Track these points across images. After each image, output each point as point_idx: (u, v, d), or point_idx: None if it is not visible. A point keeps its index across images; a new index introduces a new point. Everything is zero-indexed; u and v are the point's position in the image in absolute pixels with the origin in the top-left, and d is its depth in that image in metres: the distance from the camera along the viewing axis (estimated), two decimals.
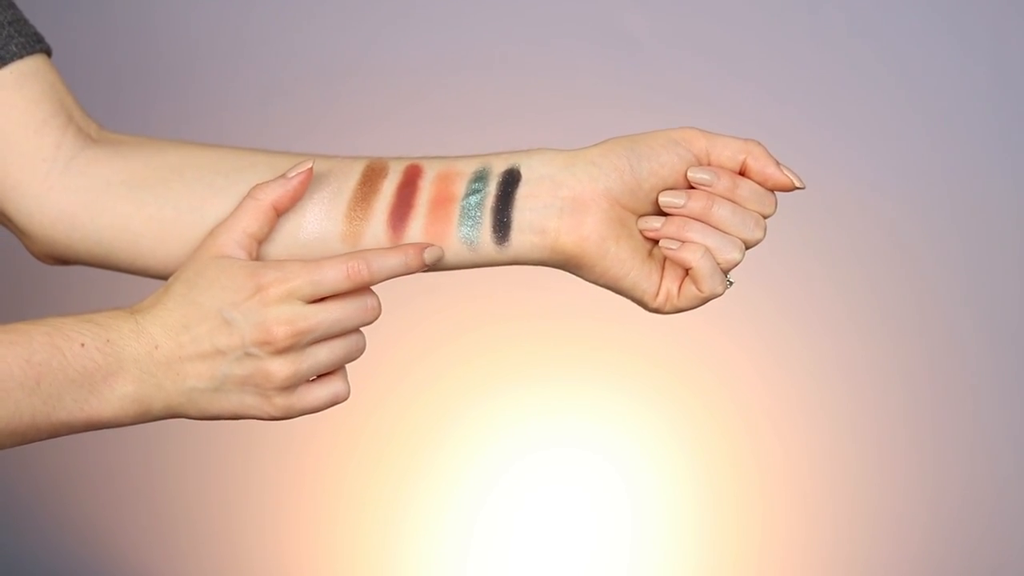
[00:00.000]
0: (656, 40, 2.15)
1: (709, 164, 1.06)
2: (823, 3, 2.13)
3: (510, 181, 1.06)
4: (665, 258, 1.07)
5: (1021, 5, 2.11)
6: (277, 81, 2.17)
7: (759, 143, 1.06)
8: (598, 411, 2.23)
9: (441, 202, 1.07)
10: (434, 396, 2.23)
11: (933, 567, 2.23)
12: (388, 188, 1.08)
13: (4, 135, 1.12)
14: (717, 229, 1.05)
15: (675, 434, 2.22)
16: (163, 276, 1.12)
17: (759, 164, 1.05)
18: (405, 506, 2.24)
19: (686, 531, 2.24)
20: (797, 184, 1.06)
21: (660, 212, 1.07)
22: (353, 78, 2.17)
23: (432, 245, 1.06)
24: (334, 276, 1.03)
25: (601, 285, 1.08)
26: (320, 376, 1.06)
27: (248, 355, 1.03)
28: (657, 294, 1.07)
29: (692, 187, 1.06)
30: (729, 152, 1.06)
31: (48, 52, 1.15)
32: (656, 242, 1.07)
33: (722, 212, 1.04)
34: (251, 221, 1.06)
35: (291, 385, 1.04)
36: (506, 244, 1.06)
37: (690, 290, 1.06)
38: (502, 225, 1.06)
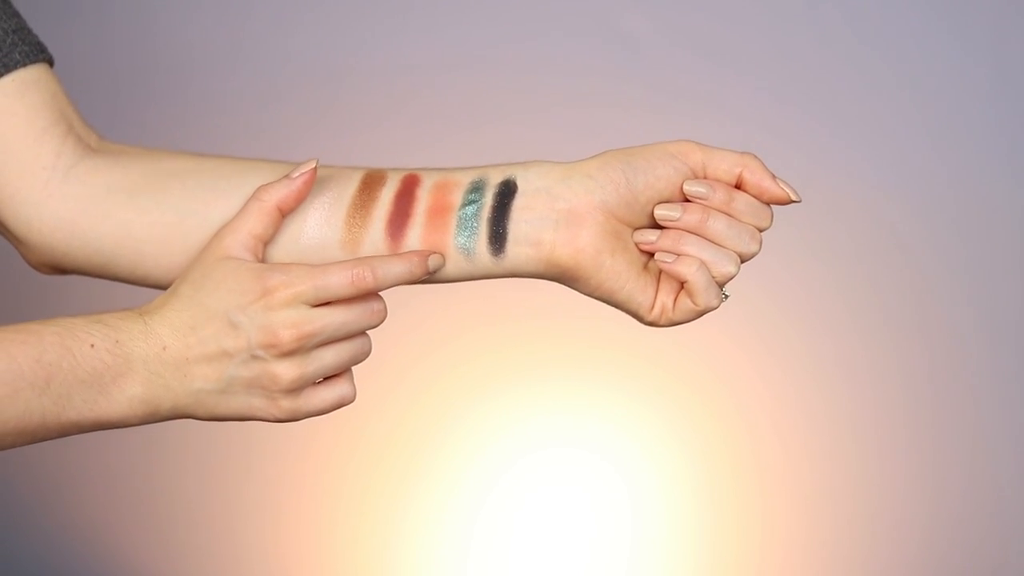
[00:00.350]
0: (656, 40, 2.15)
1: (705, 177, 1.06)
2: (823, 3, 2.13)
3: (506, 193, 1.06)
4: (660, 271, 1.07)
5: (1021, 5, 2.11)
6: (274, 84, 2.17)
7: (755, 156, 1.06)
8: (598, 411, 2.23)
9: (438, 211, 1.07)
10: (434, 396, 2.23)
11: (933, 567, 2.23)
12: (386, 196, 1.08)
13: (4, 143, 1.12)
14: (712, 242, 1.05)
15: (675, 434, 2.22)
16: (163, 285, 1.12)
17: (755, 177, 1.05)
18: (405, 506, 2.24)
19: (686, 531, 2.24)
20: (793, 198, 1.06)
21: (656, 225, 1.07)
22: (350, 80, 2.17)
23: (435, 253, 1.06)
24: (339, 282, 1.04)
25: (596, 298, 1.08)
26: (326, 378, 1.07)
27: (254, 358, 1.03)
28: (652, 307, 1.07)
29: (688, 200, 1.06)
30: (725, 165, 1.06)
31: (51, 62, 1.16)
32: (652, 255, 1.07)
33: (718, 225, 1.04)
34: (256, 223, 1.07)
35: (297, 388, 1.05)
36: (502, 256, 1.06)
37: (685, 303, 1.06)
38: (498, 236, 1.06)
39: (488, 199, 1.06)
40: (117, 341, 1.03)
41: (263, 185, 1.08)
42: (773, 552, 2.24)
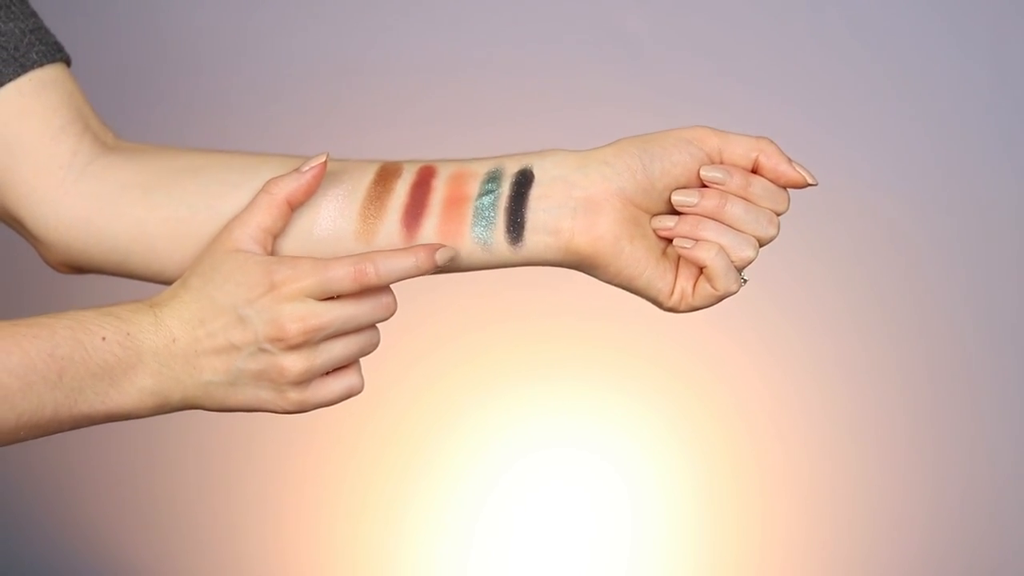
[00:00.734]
0: (657, 40, 2.16)
1: (721, 162, 1.06)
2: (823, 3, 2.13)
3: (523, 182, 1.07)
4: (679, 257, 1.07)
5: (1021, 5, 2.11)
6: (281, 81, 2.17)
7: (771, 140, 1.06)
8: (598, 411, 2.23)
9: (454, 202, 1.07)
10: (435, 396, 2.23)
11: (933, 567, 2.24)
12: (402, 188, 1.08)
13: (21, 141, 1.12)
14: (730, 227, 1.05)
15: (675, 434, 2.23)
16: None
17: (772, 161, 1.06)
18: (405, 506, 2.24)
19: (686, 531, 2.24)
20: (810, 181, 1.06)
21: (673, 211, 1.07)
22: (354, 78, 2.17)
23: (444, 246, 1.06)
24: (342, 277, 1.04)
25: (615, 285, 1.08)
26: (335, 369, 1.07)
27: (262, 351, 1.04)
28: (672, 293, 1.07)
29: (705, 186, 1.06)
30: (741, 150, 1.06)
31: (68, 61, 1.16)
32: (670, 241, 1.07)
33: (735, 210, 1.04)
34: (265, 215, 1.07)
35: (305, 380, 1.05)
36: (520, 245, 1.06)
37: (704, 288, 1.06)
38: (516, 226, 1.06)
39: (505, 189, 1.07)
40: (128, 334, 1.03)
41: (273, 178, 1.08)
42: (773, 552, 2.24)
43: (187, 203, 1.11)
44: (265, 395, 1.05)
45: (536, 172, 1.07)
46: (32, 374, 1.00)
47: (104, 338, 1.02)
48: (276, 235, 1.08)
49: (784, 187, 1.06)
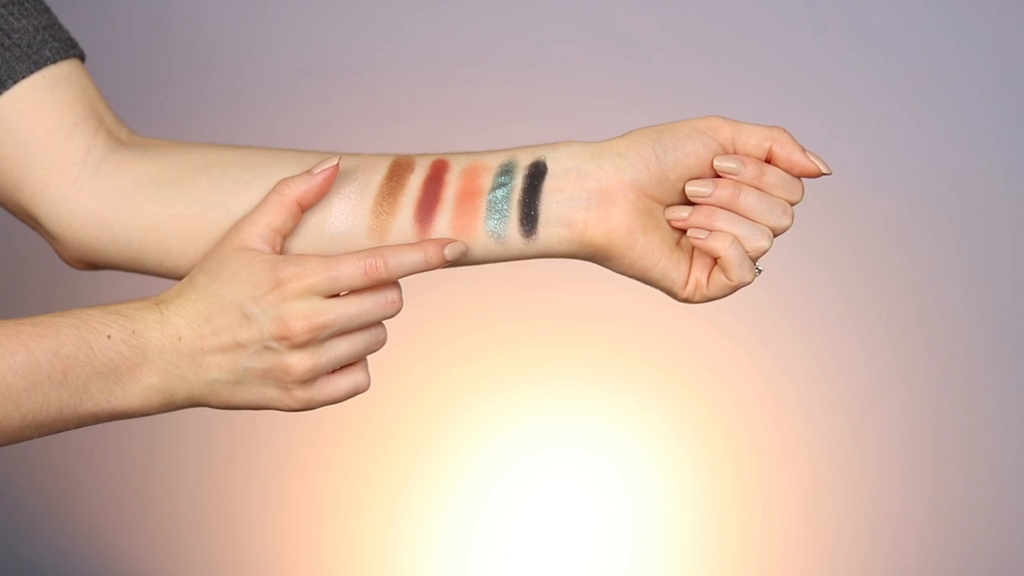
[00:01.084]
0: (657, 40, 2.16)
1: (735, 152, 1.06)
2: (823, 3, 2.14)
3: (536, 174, 1.06)
4: (693, 247, 1.07)
5: (1021, 5, 2.12)
6: (292, 77, 2.17)
7: (784, 130, 1.06)
8: (598, 411, 2.23)
9: (468, 196, 1.07)
10: (435, 396, 2.23)
11: (933, 567, 2.24)
12: (414, 183, 1.08)
13: (35, 139, 1.12)
14: (745, 217, 1.05)
15: (675, 434, 2.22)
16: None
17: (785, 151, 1.05)
18: (405, 506, 2.24)
19: (686, 531, 2.24)
20: (823, 170, 1.06)
21: (687, 202, 1.07)
22: (363, 75, 2.17)
23: (455, 241, 1.06)
24: (351, 272, 1.04)
25: (629, 276, 1.08)
26: (341, 367, 1.07)
27: (267, 349, 1.03)
28: (686, 284, 1.07)
29: (718, 176, 1.06)
30: (755, 140, 1.06)
31: (82, 57, 1.16)
32: (684, 232, 1.07)
33: (749, 200, 1.04)
34: (275, 215, 1.06)
35: (311, 378, 1.05)
36: (533, 237, 1.06)
37: (719, 279, 1.06)
38: (529, 218, 1.06)
39: (518, 181, 1.06)
40: (133, 332, 1.03)
41: (284, 179, 1.08)
42: (773, 552, 2.24)
43: (199, 200, 1.11)
44: (271, 393, 1.05)
45: (549, 164, 1.07)
46: (37, 373, 1.00)
47: (110, 336, 1.02)
48: (285, 235, 1.08)
49: (798, 176, 1.06)
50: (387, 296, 1.05)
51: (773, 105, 2.15)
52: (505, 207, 1.06)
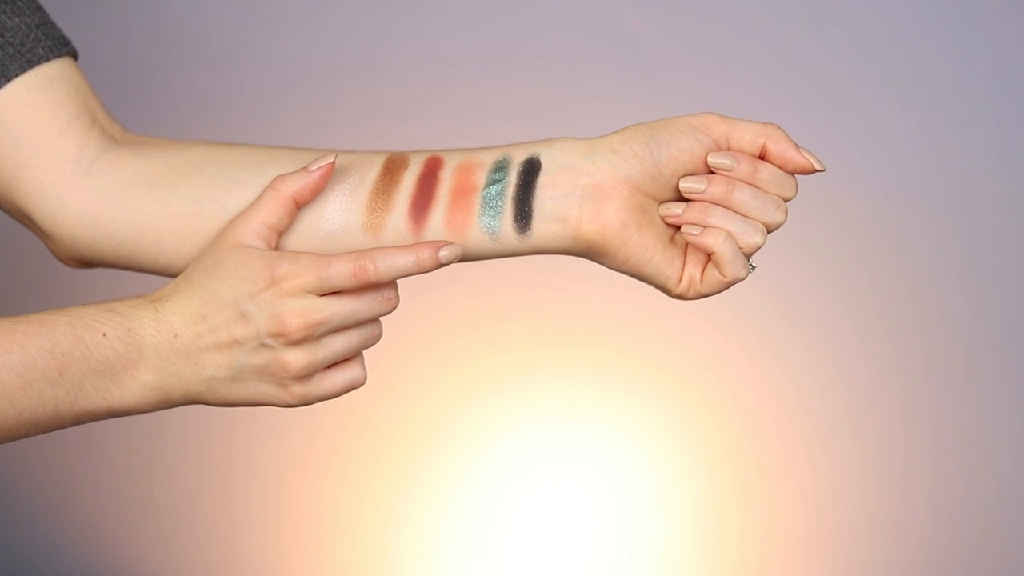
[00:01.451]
0: (657, 40, 2.16)
1: (729, 149, 1.06)
2: (823, 3, 2.14)
3: (530, 170, 1.07)
4: (687, 244, 1.07)
5: (1021, 5, 2.12)
6: (289, 76, 2.17)
7: (778, 126, 1.06)
8: (598, 411, 2.23)
9: (462, 192, 1.07)
10: (435, 396, 2.23)
11: (933, 567, 2.23)
12: (409, 180, 1.08)
13: (29, 137, 1.12)
14: (738, 213, 1.05)
15: (675, 434, 2.22)
16: None
17: (779, 147, 1.06)
18: (405, 506, 2.24)
19: (686, 531, 2.24)
20: (817, 167, 1.06)
21: (681, 198, 1.07)
22: (360, 74, 2.17)
23: (450, 243, 1.05)
24: (341, 274, 1.04)
25: (623, 272, 1.08)
26: (337, 362, 1.07)
27: (264, 346, 1.04)
28: (680, 280, 1.07)
29: (712, 172, 1.06)
30: (749, 136, 1.06)
31: (75, 55, 1.16)
32: (678, 228, 1.07)
33: (743, 196, 1.04)
34: (271, 212, 1.07)
35: (307, 374, 1.05)
36: (528, 233, 1.06)
37: (713, 275, 1.06)
38: (523, 214, 1.06)
39: (512, 178, 1.07)
40: (129, 329, 1.03)
41: (280, 175, 1.08)
42: (773, 552, 2.24)
43: (194, 198, 1.11)
44: (268, 389, 1.05)
45: (543, 160, 1.07)
46: (32, 371, 1.00)
47: (105, 334, 1.02)
48: (281, 232, 1.08)
49: (791, 173, 1.06)
50: (383, 294, 1.06)
51: (773, 105, 2.15)
52: (499, 203, 1.06)
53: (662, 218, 1.07)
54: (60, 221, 1.13)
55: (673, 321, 2.17)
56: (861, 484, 2.23)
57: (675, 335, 2.21)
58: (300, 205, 1.08)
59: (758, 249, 1.05)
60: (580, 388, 2.23)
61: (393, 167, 1.09)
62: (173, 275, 1.12)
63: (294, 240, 1.09)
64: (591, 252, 1.07)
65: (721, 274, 1.06)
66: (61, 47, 1.14)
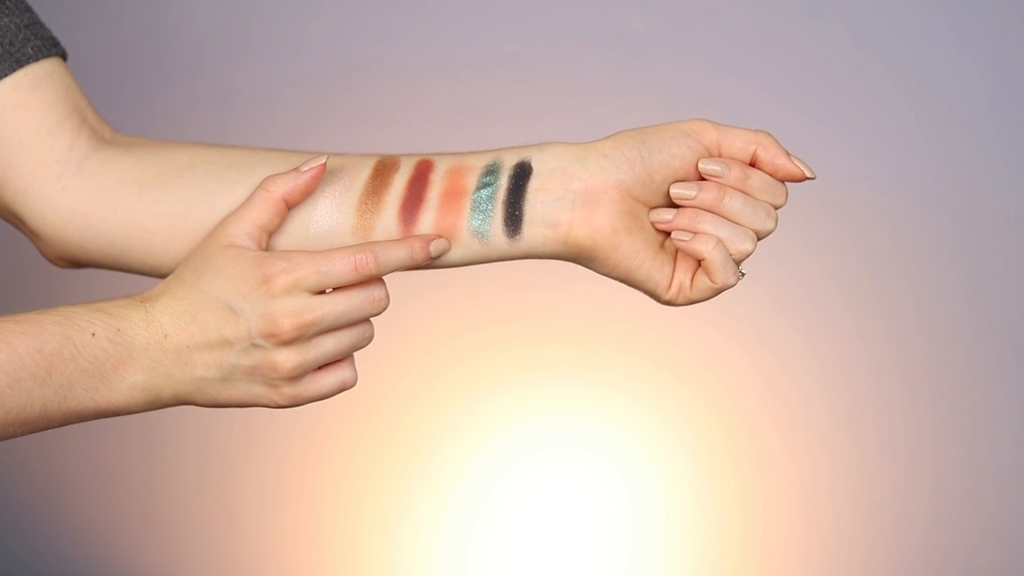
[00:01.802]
0: (656, 40, 2.15)
1: (720, 155, 1.06)
2: (823, 3, 2.13)
3: (521, 174, 1.07)
4: (677, 250, 1.07)
5: (1021, 5, 2.11)
6: (283, 78, 2.17)
7: (769, 134, 1.06)
8: (598, 411, 2.23)
9: (452, 195, 1.07)
10: (434, 396, 2.23)
11: (933, 567, 2.23)
12: (399, 182, 1.08)
13: (18, 136, 1.12)
14: (729, 220, 1.05)
15: (675, 434, 2.22)
16: None
17: (770, 155, 1.06)
18: (405, 506, 2.24)
19: (686, 531, 2.24)
20: (808, 174, 1.06)
21: (672, 204, 1.07)
22: (356, 75, 2.17)
23: (438, 237, 1.06)
24: (341, 268, 1.04)
25: (613, 277, 1.08)
26: (327, 363, 1.07)
27: (255, 346, 1.03)
28: (669, 286, 1.07)
29: (703, 179, 1.06)
30: (740, 143, 1.06)
31: (63, 56, 1.16)
32: (668, 234, 1.07)
33: (733, 203, 1.05)
34: (261, 212, 1.07)
35: (298, 375, 1.05)
36: (518, 237, 1.06)
37: (703, 281, 1.06)
38: (514, 218, 1.06)
39: (503, 181, 1.07)
40: (118, 329, 1.02)
41: (271, 176, 1.08)
42: (773, 552, 2.24)
43: (183, 198, 1.11)
44: (258, 390, 1.05)
45: (534, 164, 1.07)
46: (21, 371, 1.00)
47: (94, 334, 1.02)
48: (271, 232, 1.08)
49: (782, 180, 1.06)
50: (374, 293, 1.05)
51: (773, 105, 2.14)
52: (489, 207, 1.06)
53: (652, 224, 1.07)
54: (49, 221, 1.13)
55: (673, 321, 2.17)
56: (861, 484, 2.23)
57: (675, 335, 2.21)
58: (291, 206, 1.08)
59: (748, 256, 1.05)
60: (580, 388, 2.23)
61: (384, 170, 1.09)
62: (162, 276, 1.12)
63: (284, 241, 1.09)
64: (581, 257, 1.07)
65: (711, 280, 1.06)
66: (50, 47, 1.14)
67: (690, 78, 2.15)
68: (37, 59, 1.13)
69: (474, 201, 1.07)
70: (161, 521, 2.26)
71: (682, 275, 1.07)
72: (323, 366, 1.06)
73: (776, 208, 1.06)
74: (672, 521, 2.23)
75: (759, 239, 1.05)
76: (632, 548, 2.24)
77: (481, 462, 2.24)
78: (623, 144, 1.06)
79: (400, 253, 1.05)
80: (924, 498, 2.23)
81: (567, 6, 2.16)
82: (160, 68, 2.17)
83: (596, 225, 1.05)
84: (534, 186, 1.06)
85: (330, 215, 1.08)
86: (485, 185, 1.07)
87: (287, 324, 1.02)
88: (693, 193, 1.05)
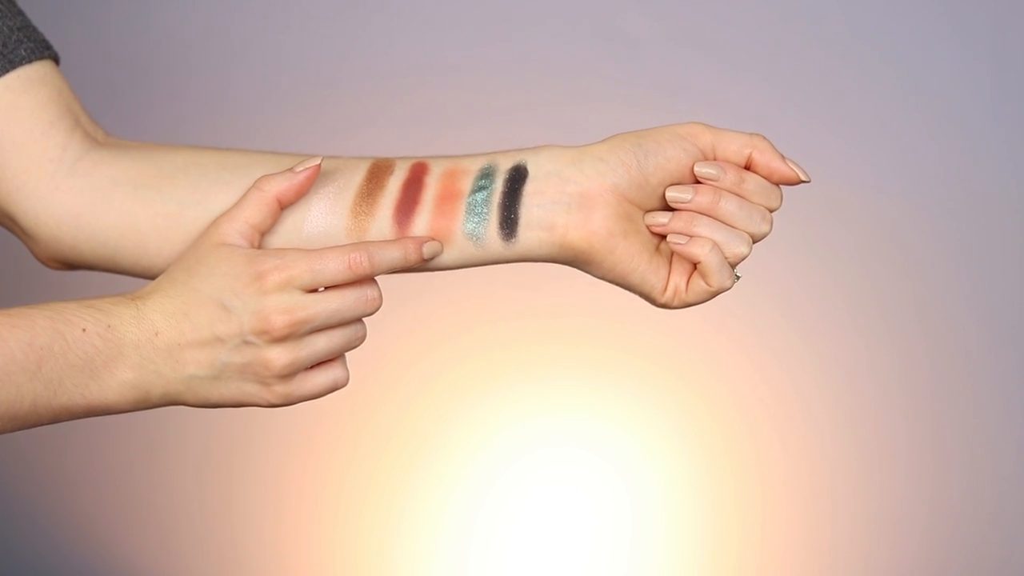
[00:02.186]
0: (656, 40, 2.15)
1: (715, 159, 1.06)
2: (823, 2, 2.13)
3: (517, 178, 1.07)
4: (673, 253, 1.07)
5: (1021, 5, 2.11)
6: (272, 83, 2.17)
7: (764, 137, 1.07)
8: (598, 411, 2.23)
9: (447, 198, 1.07)
10: (434, 396, 2.23)
11: (933, 567, 2.23)
12: (394, 185, 1.08)
13: (11, 137, 1.12)
14: (724, 223, 1.05)
15: (675, 434, 2.22)
16: None
17: (765, 158, 1.06)
18: (405, 506, 2.24)
19: (686, 531, 2.24)
20: (803, 178, 1.06)
21: (667, 207, 1.07)
22: (350, 79, 2.17)
23: (431, 239, 1.06)
24: (335, 267, 1.04)
25: (608, 280, 1.08)
26: (319, 362, 1.07)
27: (247, 343, 1.03)
28: (665, 289, 1.08)
29: (699, 182, 1.06)
30: (735, 146, 1.06)
31: (56, 59, 1.16)
32: (663, 237, 1.07)
33: (729, 206, 1.05)
34: (254, 212, 1.06)
35: (290, 373, 1.05)
36: (513, 240, 1.06)
37: (698, 284, 1.07)
38: (509, 221, 1.06)
39: (498, 185, 1.07)
40: (109, 326, 1.02)
41: (265, 175, 1.08)
42: (773, 552, 2.24)
43: (177, 199, 1.11)
44: (250, 389, 1.05)
45: (530, 168, 1.07)
46: (11, 364, 0.99)
47: (85, 329, 1.01)
48: (264, 232, 1.08)
49: (777, 184, 1.06)
50: (367, 293, 1.05)
51: (773, 105, 2.14)
52: (485, 210, 1.06)
53: (648, 227, 1.07)
54: (42, 221, 1.13)
55: (673, 321, 2.17)
56: (861, 484, 2.23)
57: (675, 334, 2.21)
58: (284, 206, 1.08)
59: (743, 259, 1.05)
60: (580, 387, 2.23)
61: (378, 172, 1.09)
62: (154, 277, 1.12)
63: (277, 241, 1.08)
64: (577, 260, 1.07)
65: (707, 284, 1.06)
66: (43, 50, 1.15)
67: (690, 77, 2.15)
68: (30, 61, 1.13)
69: (469, 204, 1.07)
70: (161, 521, 2.27)
71: (678, 278, 1.07)
72: (315, 365, 1.06)
73: (771, 211, 1.06)
74: (672, 521, 2.23)
75: (754, 242, 1.06)
76: (632, 548, 2.24)
77: (481, 462, 2.24)
78: (619, 147, 1.06)
79: (394, 253, 1.05)
80: (924, 498, 2.23)
81: (567, 6, 2.16)
82: (146, 77, 2.17)
83: (592, 228, 1.05)
84: (530, 189, 1.06)
85: (324, 216, 1.08)
86: (480, 188, 1.07)
87: (279, 321, 1.02)
88: (689, 196, 1.05)
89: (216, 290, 1.03)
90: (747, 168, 1.06)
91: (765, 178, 1.06)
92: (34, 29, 1.15)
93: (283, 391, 1.05)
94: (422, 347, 2.22)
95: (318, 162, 1.07)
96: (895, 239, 2.18)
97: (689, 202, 1.05)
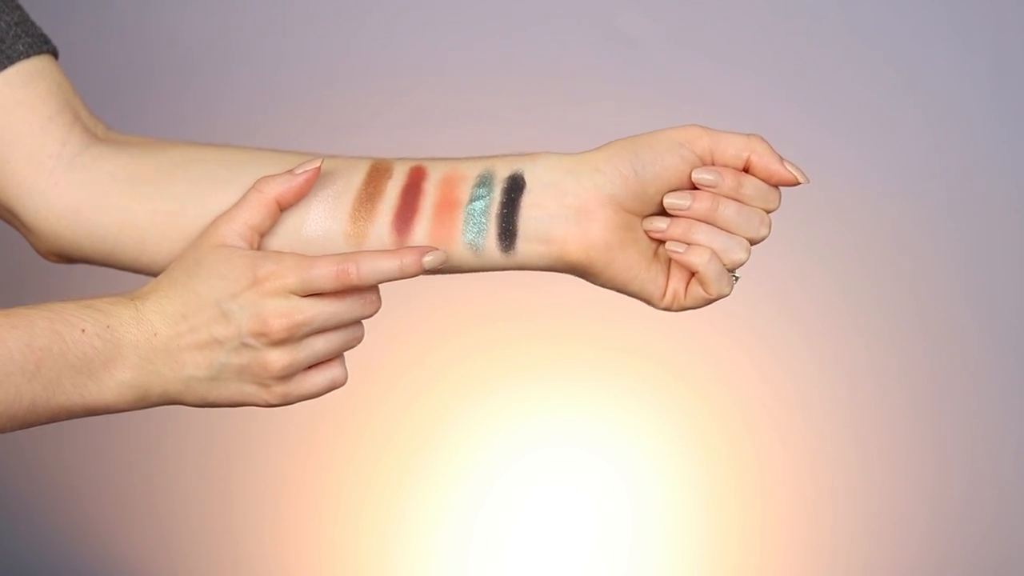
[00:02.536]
0: (656, 40, 2.15)
1: (713, 163, 1.06)
2: (823, 2, 2.13)
3: (514, 188, 1.06)
4: (671, 258, 1.07)
5: (1021, 5, 2.11)
6: (272, 84, 2.17)
7: (762, 139, 1.06)
8: (598, 411, 2.23)
9: (445, 206, 1.07)
10: (434, 396, 2.23)
11: (933, 567, 2.23)
12: (392, 190, 1.08)
13: (10, 132, 1.12)
14: (723, 230, 1.05)
15: (675, 434, 2.22)
16: None
17: (763, 161, 1.06)
18: (405, 506, 2.24)
19: (686, 531, 2.23)
20: (801, 179, 1.06)
21: (665, 213, 1.07)
22: (349, 79, 2.17)
23: (434, 249, 1.06)
24: (324, 276, 1.04)
25: (608, 288, 1.08)
26: (318, 362, 1.07)
27: (245, 345, 1.03)
28: (664, 295, 1.08)
29: (697, 188, 1.06)
30: (733, 150, 1.06)
31: (55, 54, 1.16)
32: (662, 242, 1.07)
33: (727, 212, 1.04)
34: (253, 213, 1.06)
35: (288, 374, 1.05)
36: (512, 252, 1.06)
37: (696, 291, 1.07)
38: (508, 233, 1.06)
39: (496, 194, 1.06)
40: (108, 326, 1.02)
41: (265, 177, 1.08)
42: (773, 552, 2.24)
43: (175, 197, 1.11)
44: (248, 389, 1.05)
45: (527, 178, 1.06)
46: (9, 364, 1.00)
47: (84, 330, 1.02)
48: (263, 233, 1.08)
49: (775, 186, 1.06)
50: (366, 297, 1.06)
51: (773, 105, 2.14)
52: (483, 220, 1.06)
53: (646, 232, 1.07)
54: (42, 216, 1.13)
55: (674, 321, 2.17)
56: (861, 485, 2.23)
57: (675, 335, 2.20)
58: (283, 208, 1.08)
59: (742, 264, 1.05)
60: (580, 388, 2.23)
61: (377, 175, 1.09)
62: (154, 274, 1.12)
63: (276, 243, 1.09)
64: (576, 271, 1.07)
65: (705, 292, 1.06)
66: (41, 44, 1.15)
67: (690, 77, 2.14)
68: (28, 56, 1.13)
69: (468, 213, 1.07)
70: (161, 521, 2.26)
71: (676, 284, 1.07)
72: (313, 365, 1.07)
73: (768, 213, 1.06)
74: (672, 521, 2.23)
75: (752, 245, 1.06)
76: (632, 548, 2.24)
77: (481, 462, 2.24)
78: (616, 157, 1.06)
79: (387, 265, 1.04)
80: (924, 498, 2.23)
81: (567, 6, 2.15)
82: (147, 77, 2.17)
83: (590, 241, 1.05)
84: (528, 201, 1.06)
85: (323, 220, 1.08)
86: (478, 197, 1.07)
87: (277, 325, 1.03)
88: (687, 203, 1.05)
89: (215, 292, 1.03)
90: (745, 171, 1.06)
91: (763, 181, 1.06)
92: (32, 24, 1.15)
93: (282, 391, 1.06)
94: (422, 347, 2.21)
95: (318, 164, 1.07)
96: (895, 239, 2.18)
97: (687, 209, 1.05)
